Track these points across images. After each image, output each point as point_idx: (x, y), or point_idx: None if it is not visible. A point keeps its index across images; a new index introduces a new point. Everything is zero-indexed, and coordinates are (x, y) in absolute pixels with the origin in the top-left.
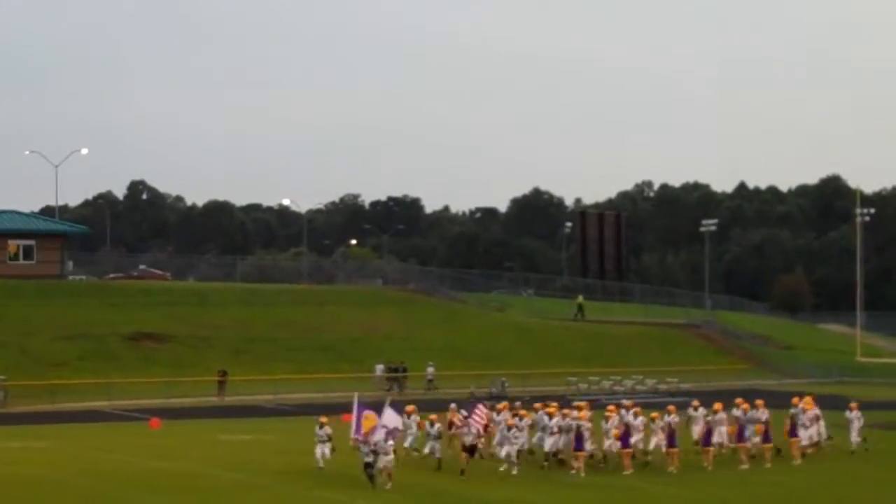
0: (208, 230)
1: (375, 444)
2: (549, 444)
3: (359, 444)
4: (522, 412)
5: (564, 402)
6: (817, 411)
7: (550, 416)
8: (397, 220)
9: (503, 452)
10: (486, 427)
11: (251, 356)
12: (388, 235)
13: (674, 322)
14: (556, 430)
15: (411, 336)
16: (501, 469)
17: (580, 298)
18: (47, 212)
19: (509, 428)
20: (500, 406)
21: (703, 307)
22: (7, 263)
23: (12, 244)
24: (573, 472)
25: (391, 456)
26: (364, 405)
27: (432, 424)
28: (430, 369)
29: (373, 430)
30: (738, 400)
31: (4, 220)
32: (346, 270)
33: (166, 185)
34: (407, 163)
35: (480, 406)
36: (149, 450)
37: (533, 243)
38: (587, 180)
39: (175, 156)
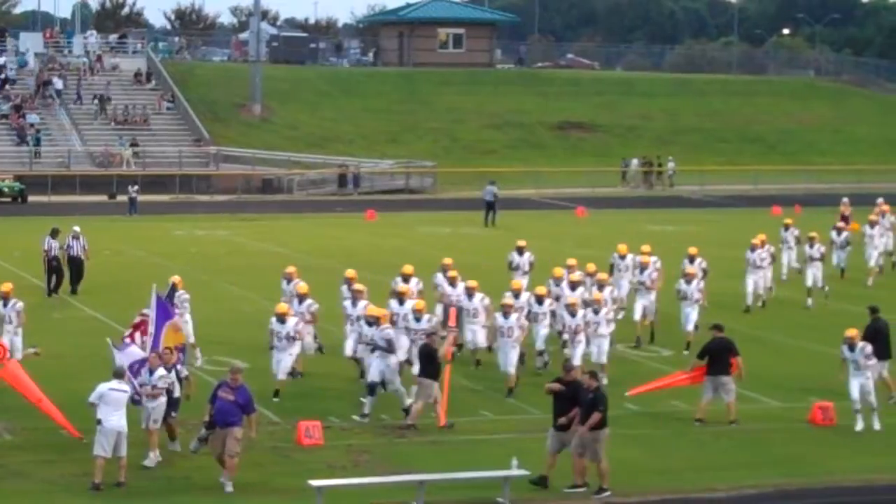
0: (636, 19)
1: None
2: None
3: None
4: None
5: None
6: None
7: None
8: (832, 8)
9: None
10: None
11: (678, 147)
12: (821, 25)
13: None
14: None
15: (842, 129)
16: None
17: None
18: (476, 0)
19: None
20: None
21: None
22: (437, 52)
23: (442, 32)
24: None
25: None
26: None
27: (470, 296)
28: (671, 164)
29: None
30: None
31: (434, 9)
32: (777, 61)
33: None
34: None
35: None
36: (574, 238)
37: None
38: None
39: None
